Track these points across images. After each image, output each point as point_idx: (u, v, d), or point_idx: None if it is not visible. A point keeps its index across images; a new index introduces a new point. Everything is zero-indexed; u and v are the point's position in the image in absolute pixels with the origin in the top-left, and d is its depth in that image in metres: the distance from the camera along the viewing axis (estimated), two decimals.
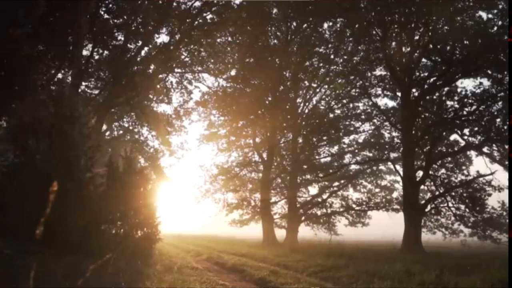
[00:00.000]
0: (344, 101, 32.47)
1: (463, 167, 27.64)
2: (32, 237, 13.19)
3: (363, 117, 31.91)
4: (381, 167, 34.16)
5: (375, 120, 31.55)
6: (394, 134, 29.49)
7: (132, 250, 14.67)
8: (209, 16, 25.53)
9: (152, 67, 25.53)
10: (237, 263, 13.94)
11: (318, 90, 32.62)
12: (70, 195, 14.59)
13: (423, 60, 25.67)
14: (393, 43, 26.55)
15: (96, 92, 26.22)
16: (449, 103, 25.56)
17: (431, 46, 24.32)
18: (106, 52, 24.41)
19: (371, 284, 10.37)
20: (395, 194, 32.92)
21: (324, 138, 32.68)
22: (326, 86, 32.21)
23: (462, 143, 25.70)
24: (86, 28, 14.35)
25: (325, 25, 29.76)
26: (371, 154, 31.93)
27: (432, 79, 25.13)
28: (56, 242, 13.35)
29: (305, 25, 30.08)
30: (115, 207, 16.24)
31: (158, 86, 27.57)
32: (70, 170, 14.53)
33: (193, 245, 26.71)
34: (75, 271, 8.74)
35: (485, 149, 25.15)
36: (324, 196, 33.57)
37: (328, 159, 34.00)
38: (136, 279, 7.99)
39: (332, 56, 30.58)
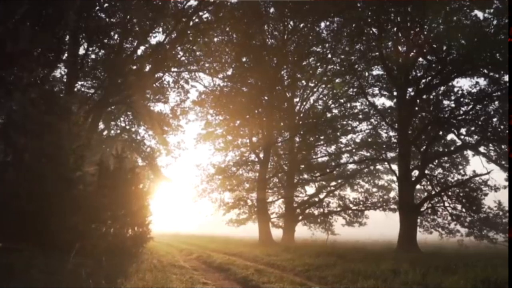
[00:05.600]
0: (342, 100, 32.40)
1: (460, 167, 27.52)
2: (20, 235, 13.21)
3: (360, 116, 31.84)
4: (378, 166, 34.07)
5: (372, 120, 31.48)
6: (391, 133, 29.44)
7: (121, 248, 14.70)
8: (205, 15, 25.53)
9: (148, 66, 25.54)
10: (224, 262, 13.92)
11: (315, 89, 32.58)
12: (59, 194, 14.60)
13: (420, 59, 25.56)
14: (390, 43, 26.47)
15: (92, 91, 26.26)
16: (445, 102, 25.50)
17: (427, 45, 24.23)
18: (102, 51, 24.42)
19: (355, 284, 10.34)
20: (392, 194, 32.83)
21: (322, 137, 32.62)
22: (324, 86, 32.16)
23: (459, 142, 25.59)
24: (72, 25, 14.32)
25: (322, 25, 29.70)
26: (368, 154, 31.85)
27: (428, 79, 25.03)
28: (45, 240, 13.38)
29: (302, 24, 30.03)
30: (106, 206, 16.26)
31: (155, 85, 27.58)
32: (59, 168, 14.55)
33: (188, 244, 26.73)
34: (54, 269, 8.75)
35: (481, 149, 25.02)
36: (321, 196, 33.51)
37: (325, 158, 33.95)
38: (104, 277, 7.95)
39: (329, 56, 30.50)
